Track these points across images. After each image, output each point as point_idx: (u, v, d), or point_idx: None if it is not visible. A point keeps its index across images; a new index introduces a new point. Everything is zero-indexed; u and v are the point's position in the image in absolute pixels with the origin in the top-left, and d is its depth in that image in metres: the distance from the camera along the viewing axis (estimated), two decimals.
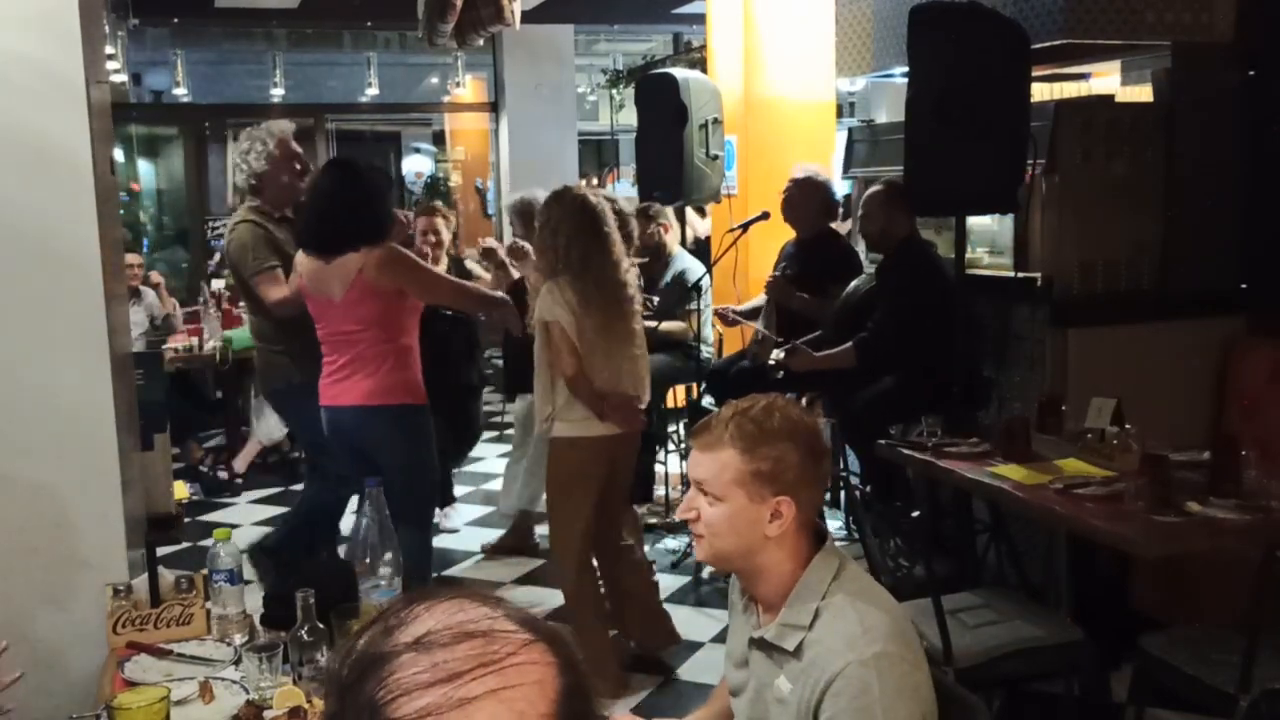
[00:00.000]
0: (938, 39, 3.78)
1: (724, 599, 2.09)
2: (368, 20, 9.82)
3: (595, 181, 11.76)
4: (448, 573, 5.01)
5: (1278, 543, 2.62)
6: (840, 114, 6.59)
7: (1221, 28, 4.21)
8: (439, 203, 6.32)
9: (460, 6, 5.33)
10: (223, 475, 6.57)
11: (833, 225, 5.25)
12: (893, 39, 4.82)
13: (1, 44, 2.54)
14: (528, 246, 4.28)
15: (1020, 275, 4.29)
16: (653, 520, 5.36)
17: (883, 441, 3.79)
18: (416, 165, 11.77)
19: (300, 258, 3.71)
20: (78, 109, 2.60)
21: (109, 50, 6.90)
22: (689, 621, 4.37)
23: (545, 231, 3.75)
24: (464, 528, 5.74)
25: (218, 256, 9.58)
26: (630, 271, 3.82)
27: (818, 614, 1.77)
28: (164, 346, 6.41)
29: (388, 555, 2.22)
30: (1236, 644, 2.64)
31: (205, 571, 2.37)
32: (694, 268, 5.59)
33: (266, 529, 5.72)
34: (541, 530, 5.37)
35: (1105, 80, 5.55)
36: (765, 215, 5.18)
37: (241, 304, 7.31)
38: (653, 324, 4.98)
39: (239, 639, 2.28)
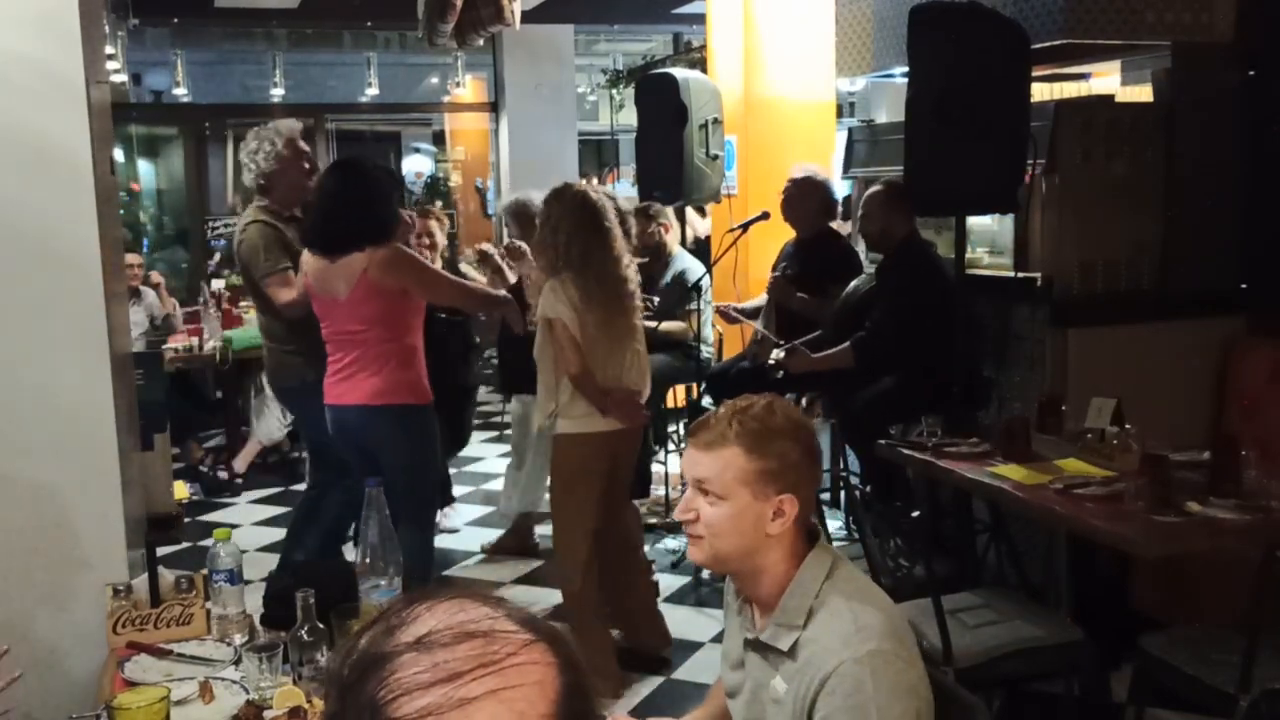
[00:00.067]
0: (938, 39, 3.78)
1: (723, 599, 2.09)
2: (368, 20, 9.83)
3: (595, 181, 11.76)
4: (448, 573, 5.01)
5: (1278, 543, 2.62)
6: (840, 114, 6.59)
7: (1221, 28, 4.21)
8: (432, 205, 6.33)
9: (460, 6, 5.34)
10: (223, 475, 6.57)
11: (833, 225, 5.25)
12: (893, 39, 4.82)
13: (1, 44, 2.53)
14: (525, 246, 4.28)
15: (1020, 275, 4.29)
16: (653, 520, 5.36)
17: (883, 441, 3.79)
18: (416, 165, 11.77)
19: (306, 256, 3.72)
20: (78, 109, 2.60)
21: (109, 50, 6.90)
22: (689, 621, 4.38)
23: (546, 228, 3.75)
24: (464, 528, 5.74)
25: (218, 256, 9.61)
26: (631, 267, 3.83)
27: (811, 613, 1.76)
28: (164, 346, 6.41)
29: (388, 555, 2.22)
30: (1236, 644, 2.64)
31: (205, 571, 2.37)
32: (694, 268, 5.59)
33: (266, 529, 5.74)
34: (541, 530, 5.38)
35: (1105, 80, 5.55)
36: (765, 215, 5.18)
37: (243, 303, 7.35)
38: (653, 324, 4.99)
39: (239, 639, 2.27)
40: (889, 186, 4.44)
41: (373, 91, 10.25)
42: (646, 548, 4.57)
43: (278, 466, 6.86)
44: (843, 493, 5.24)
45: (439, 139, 12.05)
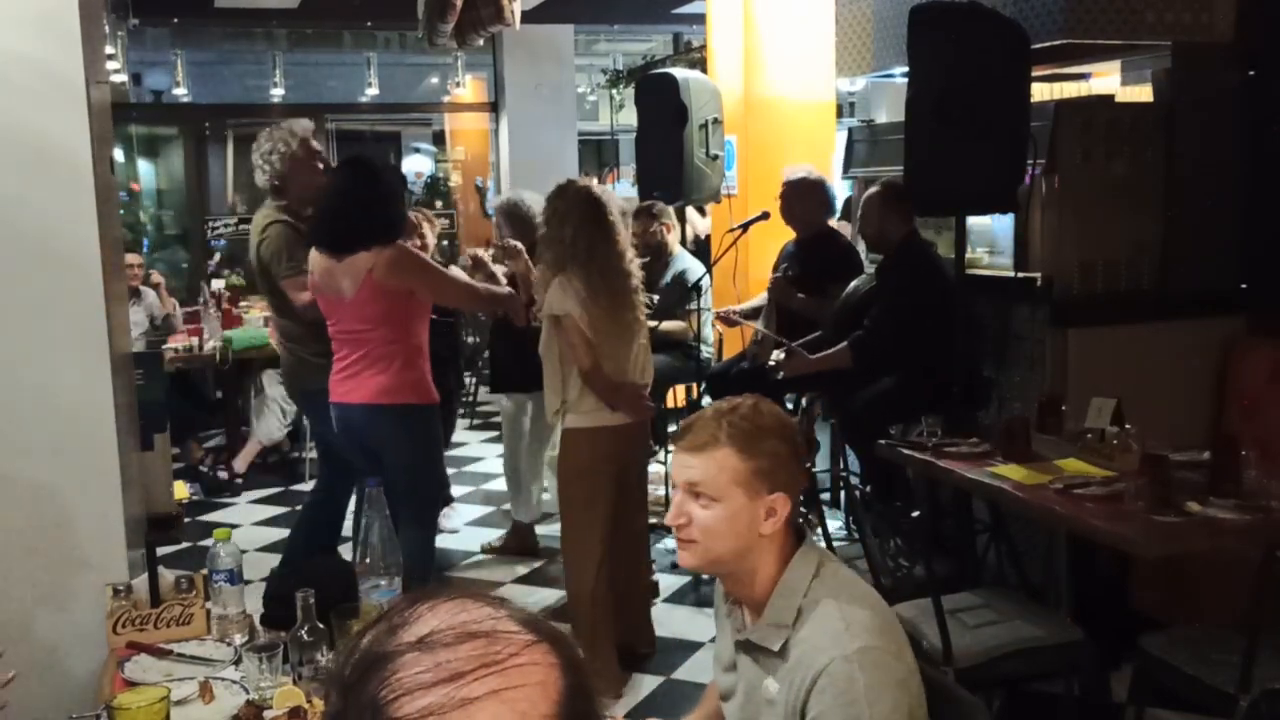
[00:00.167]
0: (938, 39, 3.78)
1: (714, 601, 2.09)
2: (368, 20, 9.83)
3: (595, 181, 11.76)
4: (448, 573, 5.01)
5: (1278, 543, 2.62)
6: (840, 114, 6.59)
7: (1221, 28, 4.21)
8: (431, 204, 6.34)
9: (460, 6, 5.34)
10: (223, 475, 6.57)
11: (834, 226, 5.25)
12: (893, 39, 4.82)
13: (1, 44, 2.54)
14: (520, 245, 4.28)
15: (1020, 275, 4.29)
16: (653, 520, 5.36)
17: (883, 441, 3.79)
18: (416, 165, 11.77)
19: (313, 255, 3.72)
20: (78, 109, 2.60)
21: (109, 50, 6.90)
22: (689, 621, 4.38)
23: (551, 225, 3.76)
24: (464, 528, 5.74)
25: (218, 256, 9.61)
26: (634, 262, 3.84)
27: (800, 612, 1.76)
28: (164, 346, 6.41)
29: (388, 555, 2.22)
30: (1236, 644, 2.64)
31: (205, 571, 2.37)
32: (694, 268, 5.59)
33: (266, 529, 5.74)
34: (541, 530, 5.39)
35: (1105, 80, 5.55)
36: (765, 215, 5.18)
37: (243, 303, 7.35)
38: (653, 324, 4.99)
39: (239, 639, 2.27)
40: (886, 187, 4.44)
41: (373, 91, 10.25)
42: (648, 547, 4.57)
43: (278, 466, 6.86)
44: (843, 493, 5.25)
45: (439, 139, 12.05)
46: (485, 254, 4.85)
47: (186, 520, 3.82)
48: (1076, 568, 3.64)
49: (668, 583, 4.68)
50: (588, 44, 12.03)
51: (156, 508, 2.96)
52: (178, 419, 5.21)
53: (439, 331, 4.96)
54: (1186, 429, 3.82)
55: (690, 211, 6.99)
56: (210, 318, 6.78)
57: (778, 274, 5.07)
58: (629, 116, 9.27)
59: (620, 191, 9.68)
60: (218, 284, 8.03)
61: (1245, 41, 4.22)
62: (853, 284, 4.70)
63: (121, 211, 6.47)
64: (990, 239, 4.56)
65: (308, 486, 6.02)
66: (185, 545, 4.78)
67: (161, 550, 2.72)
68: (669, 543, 5.22)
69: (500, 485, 5.81)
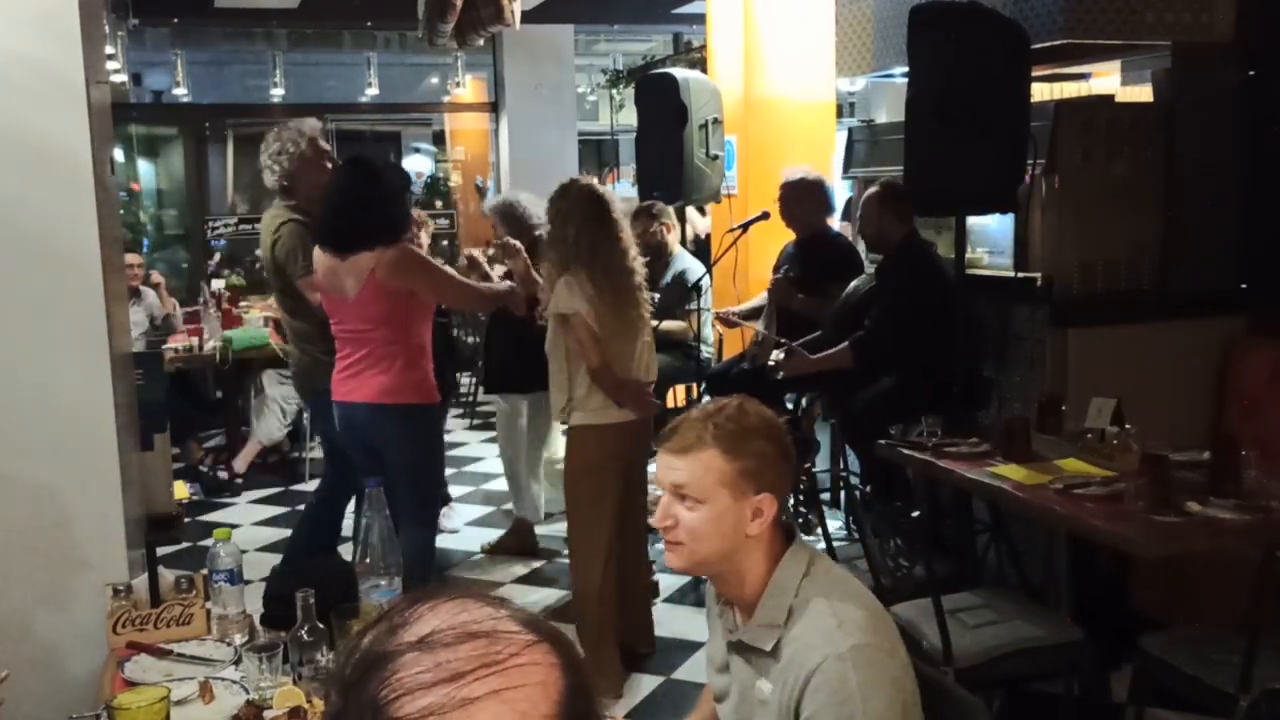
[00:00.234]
0: (938, 39, 3.78)
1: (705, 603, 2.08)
2: (368, 20, 9.83)
3: (596, 180, 11.75)
4: (447, 573, 5.01)
5: (1278, 543, 2.62)
6: (840, 114, 6.58)
7: (1221, 28, 4.21)
8: (431, 204, 6.34)
9: (460, 6, 5.34)
10: (223, 475, 6.57)
11: (835, 227, 5.25)
12: (893, 39, 4.82)
13: (1, 44, 2.54)
14: (518, 244, 4.29)
15: (1020, 275, 4.29)
16: (652, 520, 5.36)
17: (883, 441, 3.79)
18: (416, 165, 11.77)
19: (317, 254, 3.72)
20: (78, 109, 2.60)
21: (109, 50, 6.90)
22: (689, 621, 4.37)
23: (556, 224, 3.77)
24: (464, 528, 5.74)
25: (218, 256, 9.61)
26: (637, 259, 3.84)
27: (792, 611, 1.76)
28: (164, 346, 6.41)
29: (388, 555, 2.22)
30: (1236, 644, 2.64)
31: (205, 571, 2.37)
32: (694, 268, 5.59)
33: (266, 529, 5.74)
34: (541, 530, 5.39)
35: (1105, 80, 5.55)
36: (765, 215, 5.18)
37: (243, 303, 7.36)
38: (653, 324, 4.99)
39: (239, 639, 2.27)
40: (884, 188, 4.44)
41: (373, 91, 10.25)
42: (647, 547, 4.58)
43: (278, 466, 6.86)
44: (843, 493, 5.25)
45: (439, 139, 12.05)
46: (480, 254, 4.85)
47: (186, 520, 3.82)
48: (1076, 568, 3.64)
49: (668, 583, 4.68)
50: (588, 44, 12.02)
51: (156, 508, 2.96)
52: (178, 419, 5.22)
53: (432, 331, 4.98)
54: (1186, 429, 3.82)
55: (690, 211, 6.99)
56: (210, 318, 6.78)
57: (778, 275, 5.07)
58: (629, 116, 9.27)
59: (620, 191, 9.67)
60: (218, 284, 8.03)
61: (1245, 41, 4.22)
62: (852, 284, 4.70)
63: (121, 211, 6.47)
64: (990, 239, 4.57)
65: (308, 486, 6.03)
66: (185, 545, 4.78)
67: (161, 550, 2.72)
68: None
69: (500, 485, 5.81)
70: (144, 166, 10.77)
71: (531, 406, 5.23)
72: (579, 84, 11.48)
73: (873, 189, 4.53)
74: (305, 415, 6.40)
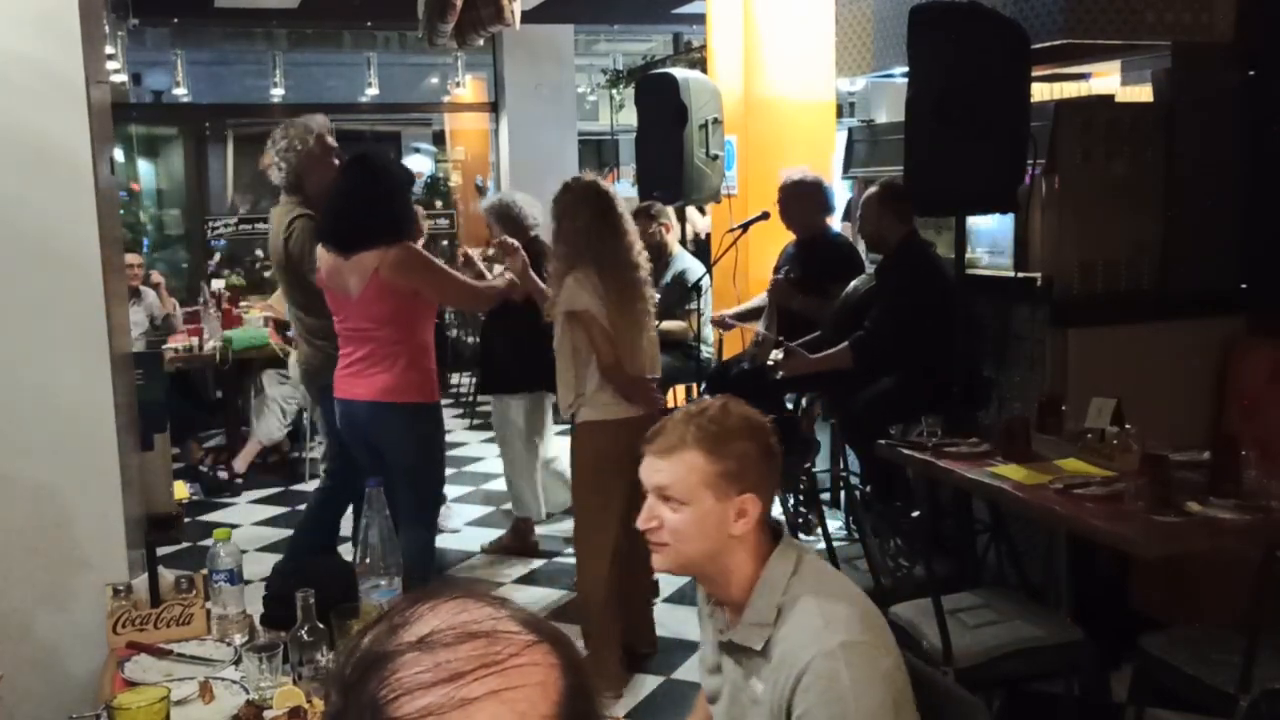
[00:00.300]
0: (938, 39, 3.78)
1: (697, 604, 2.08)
2: (368, 20, 9.82)
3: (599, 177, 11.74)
4: (447, 573, 5.01)
5: (1278, 543, 2.62)
6: (840, 114, 6.59)
7: (1221, 28, 4.21)
8: (424, 207, 6.33)
9: (460, 6, 5.33)
10: (223, 475, 6.57)
11: (834, 226, 5.25)
12: (893, 39, 4.82)
13: (1, 44, 2.54)
14: (516, 243, 4.30)
15: (1020, 275, 4.29)
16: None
17: (883, 441, 3.79)
18: (416, 165, 11.75)
19: (320, 251, 3.72)
20: (78, 109, 2.60)
21: (109, 50, 6.90)
22: (689, 621, 4.37)
23: (561, 221, 3.77)
24: (464, 528, 5.74)
25: (218, 256, 9.61)
26: (642, 254, 3.85)
27: (781, 610, 1.76)
28: (164, 346, 6.41)
29: (388, 555, 2.22)
30: (1236, 644, 2.64)
31: (205, 571, 2.37)
32: (694, 268, 5.59)
33: (266, 529, 5.74)
34: (541, 530, 5.39)
35: (1105, 80, 5.55)
36: (765, 215, 5.18)
37: (243, 303, 7.35)
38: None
39: (239, 639, 2.27)
40: (884, 188, 4.44)
41: (373, 91, 10.25)
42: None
43: (278, 466, 6.86)
44: (843, 493, 5.24)
45: (439, 139, 12.04)
46: (477, 254, 4.86)
47: (186, 520, 3.82)
48: (1076, 568, 3.64)
49: (668, 583, 4.68)
50: (588, 44, 12.02)
51: (156, 508, 2.96)
52: (178, 419, 5.21)
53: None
54: (1186, 429, 3.82)
55: (690, 210, 6.99)
56: (210, 318, 6.78)
57: (778, 276, 5.07)
58: (629, 116, 9.26)
59: (620, 191, 9.66)
60: (218, 284, 8.03)
61: (1245, 41, 4.22)
62: (852, 284, 4.70)
63: (121, 211, 6.47)
64: (990, 239, 4.57)
65: (308, 486, 6.03)
66: (185, 545, 4.78)
67: (161, 550, 2.73)
68: None
69: (500, 485, 5.81)
70: (144, 166, 10.77)
71: (526, 407, 5.23)
72: (579, 84, 11.48)
73: (873, 189, 4.53)
74: (305, 415, 6.40)
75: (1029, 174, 4.01)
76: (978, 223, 4.48)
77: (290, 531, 5.58)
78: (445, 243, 9.92)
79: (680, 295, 5.41)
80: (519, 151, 9.94)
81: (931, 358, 4.11)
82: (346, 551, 4.45)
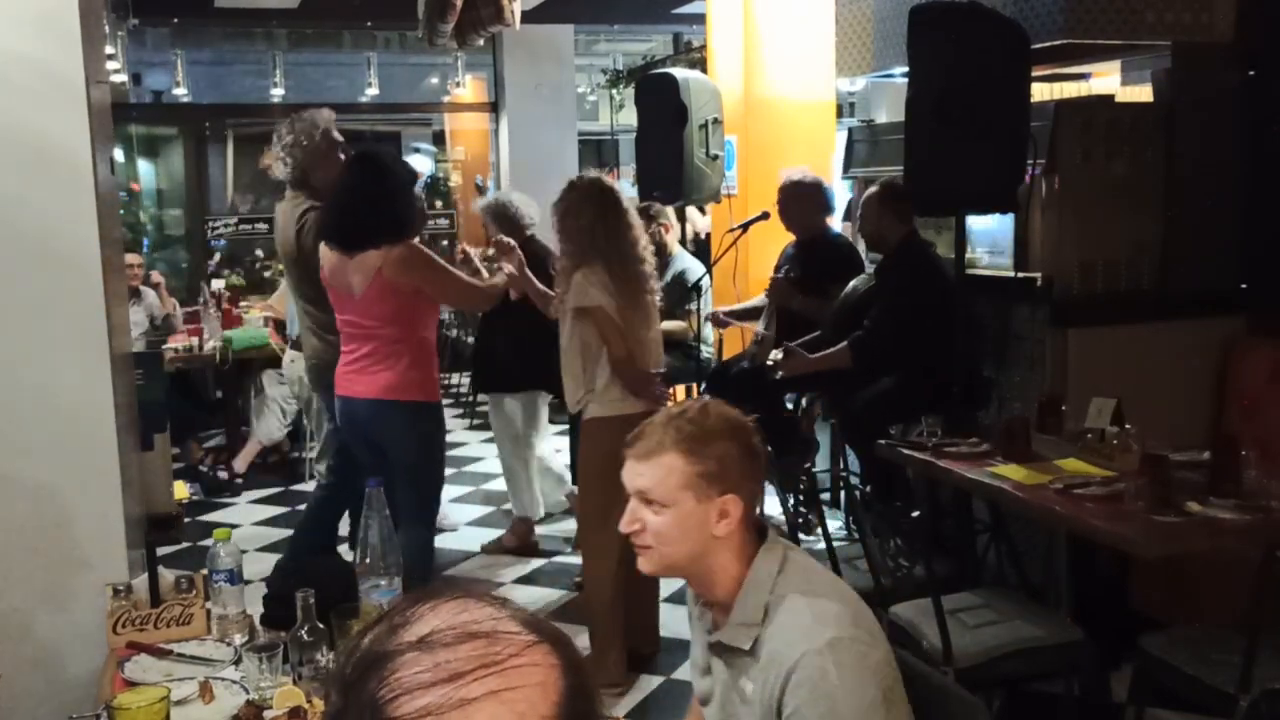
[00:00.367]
0: (938, 39, 3.78)
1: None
2: (368, 20, 9.82)
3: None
4: (447, 573, 5.01)
5: (1278, 543, 2.62)
6: (840, 114, 6.58)
7: (1221, 28, 4.21)
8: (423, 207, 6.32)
9: (460, 6, 5.33)
10: (223, 475, 6.57)
11: (834, 226, 5.25)
12: (893, 39, 4.82)
13: (1, 44, 2.54)
14: (512, 242, 4.30)
15: (1020, 275, 4.29)
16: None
17: (883, 441, 3.79)
18: (417, 165, 11.74)
19: (323, 250, 3.72)
20: (78, 109, 2.60)
21: (109, 50, 6.90)
22: (689, 621, 4.37)
23: (569, 218, 3.77)
24: (464, 528, 5.74)
25: (218, 256, 9.61)
26: (648, 248, 3.86)
27: (768, 609, 1.76)
28: (164, 346, 6.41)
29: (388, 555, 2.22)
30: (1236, 644, 2.64)
31: (205, 571, 2.37)
32: (694, 268, 5.59)
33: (266, 529, 5.74)
34: (541, 530, 5.39)
35: (1105, 80, 5.55)
36: (765, 215, 5.18)
37: (243, 303, 7.35)
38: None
39: (239, 639, 2.27)
40: (884, 187, 4.44)
41: (373, 91, 10.24)
42: None
43: (278, 466, 6.86)
44: (843, 493, 5.24)
45: (439, 139, 12.04)
46: (476, 253, 4.85)
47: (186, 520, 3.82)
48: (1076, 568, 3.64)
49: (668, 582, 4.68)
50: (588, 44, 12.02)
51: (156, 508, 2.96)
52: (178, 419, 5.21)
53: None
54: (1186, 429, 3.82)
55: (690, 210, 6.98)
56: (210, 318, 6.78)
57: (778, 276, 5.07)
58: (629, 116, 9.26)
59: None
60: (218, 284, 8.03)
61: (1245, 41, 4.22)
62: (852, 284, 4.70)
63: (121, 211, 6.47)
64: (990, 239, 4.57)
65: (308, 486, 6.03)
66: (185, 545, 4.78)
67: (161, 550, 2.73)
68: None
69: (500, 485, 5.81)
70: (144, 166, 10.77)
71: (522, 406, 5.23)
72: (579, 84, 11.47)
73: (873, 189, 4.53)
74: (307, 414, 6.39)
75: (1029, 174, 4.01)
76: (978, 223, 4.48)
77: (290, 531, 5.58)
78: (445, 243, 9.91)
79: (680, 295, 5.41)
80: (519, 151, 9.93)
81: (931, 358, 4.11)
82: (344, 552, 4.45)
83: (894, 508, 4.03)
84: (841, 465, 5.13)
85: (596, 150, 13.69)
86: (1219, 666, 2.71)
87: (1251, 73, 4.24)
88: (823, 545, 3.66)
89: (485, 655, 0.78)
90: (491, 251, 4.37)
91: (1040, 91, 5.25)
